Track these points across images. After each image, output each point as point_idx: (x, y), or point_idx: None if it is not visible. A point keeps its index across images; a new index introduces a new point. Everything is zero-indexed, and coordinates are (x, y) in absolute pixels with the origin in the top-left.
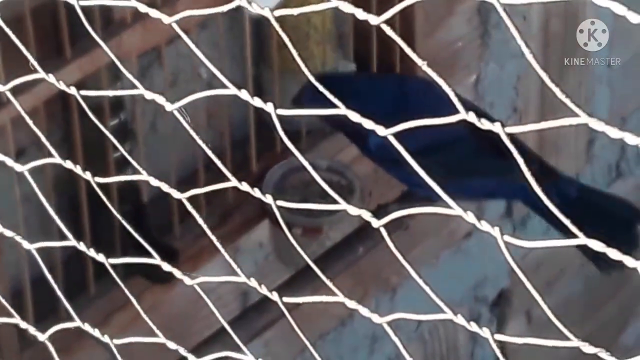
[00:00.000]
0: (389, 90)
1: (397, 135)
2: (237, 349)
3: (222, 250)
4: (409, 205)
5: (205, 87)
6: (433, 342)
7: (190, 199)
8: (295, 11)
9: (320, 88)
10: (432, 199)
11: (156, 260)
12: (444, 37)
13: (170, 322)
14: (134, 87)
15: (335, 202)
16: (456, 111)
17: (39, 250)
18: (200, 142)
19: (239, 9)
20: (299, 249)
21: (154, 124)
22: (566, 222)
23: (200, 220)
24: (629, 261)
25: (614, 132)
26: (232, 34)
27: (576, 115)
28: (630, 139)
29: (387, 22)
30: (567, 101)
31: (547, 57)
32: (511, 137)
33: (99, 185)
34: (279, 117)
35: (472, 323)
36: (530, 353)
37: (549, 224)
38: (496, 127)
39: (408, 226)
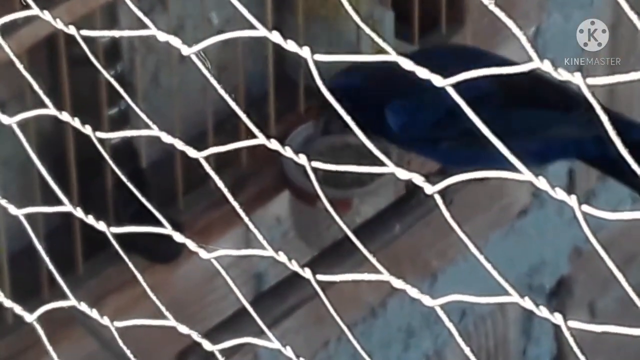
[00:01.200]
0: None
1: (414, 110)
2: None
3: (245, 218)
4: (449, 176)
5: (216, 35)
6: (479, 337)
7: (198, 166)
8: None
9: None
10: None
11: (167, 229)
12: None
13: (173, 307)
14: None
15: (367, 173)
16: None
17: (17, 223)
18: (221, 90)
19: None
20: (336, 217)
21: (155, 77)
22: (635, 166)
23: (220, 183)
24: None
25: None
26: None
27: None
28: None
29: None
30: None
31: (620, 7)
32: (538, 75)
33: (95, 146)
34: (311, 68)
35: (541, 307)
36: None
37: (615, 179)
38: (576, 78)
39: (452, 200)
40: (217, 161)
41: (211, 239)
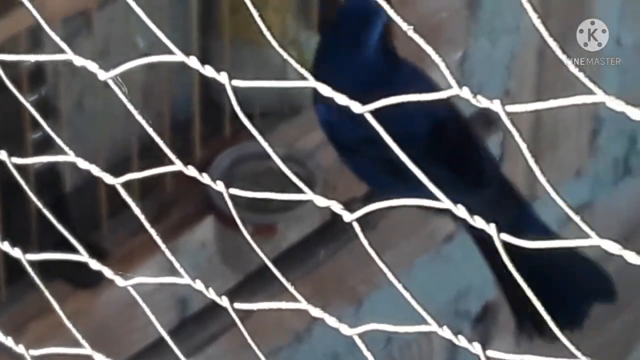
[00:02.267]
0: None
1: (352, 118)
2: None
3: (162, 246)
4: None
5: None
6: None
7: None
8: None
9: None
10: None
11: (83, 256)
12: (425, 6)
13: (96, 333)
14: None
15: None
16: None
17: None
18: (138, 117)
19: None
20: (255, 247)
21: (80, 102)
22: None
23: (136, 210)
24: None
25: (636, 113)
26: None
27: (591, 92)
28: None
29: None
30: (581, 75)
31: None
32: (473, 137)
33: (15, 170)
34: (233, 93)
35: (460, 337)
36: None
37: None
38: (495, 105)
39: (376, 225)
40: (142, 186)
41: (136, 264)
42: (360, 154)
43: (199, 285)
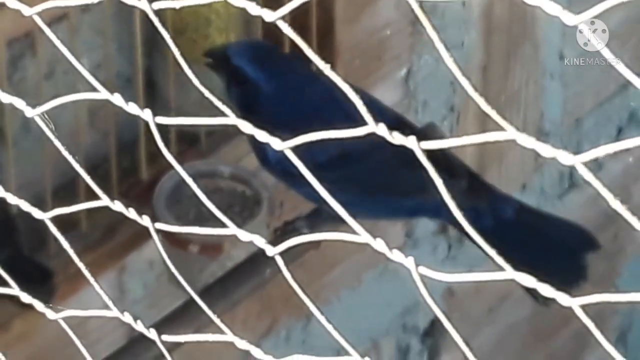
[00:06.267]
0: (312, 90)
1: (303, 145)
2: None
3: (91, 279)
4: (320, 220)
5: (87, 80)
6: None
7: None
8: (177, 4)
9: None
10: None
11: (14, 290)
12: (369, 23)
13: (46, 353)
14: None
15: (239, 217)
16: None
17: None
18: (66, 152)
19: None
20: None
21: (26, 124)
22: (491, 252)
23: (65, 244)
24: (562, 299)
25: (546, 151)
26: (120, 18)
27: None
28: (565, 157)
29: (301, 8)
30: (493, 113)
31: (490, 48)
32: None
33: None
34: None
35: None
36: None
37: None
38: (410, 142)
39: (321, 242)
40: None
41: (83, 284)
42: (320, 180)
43: (127, 318)
